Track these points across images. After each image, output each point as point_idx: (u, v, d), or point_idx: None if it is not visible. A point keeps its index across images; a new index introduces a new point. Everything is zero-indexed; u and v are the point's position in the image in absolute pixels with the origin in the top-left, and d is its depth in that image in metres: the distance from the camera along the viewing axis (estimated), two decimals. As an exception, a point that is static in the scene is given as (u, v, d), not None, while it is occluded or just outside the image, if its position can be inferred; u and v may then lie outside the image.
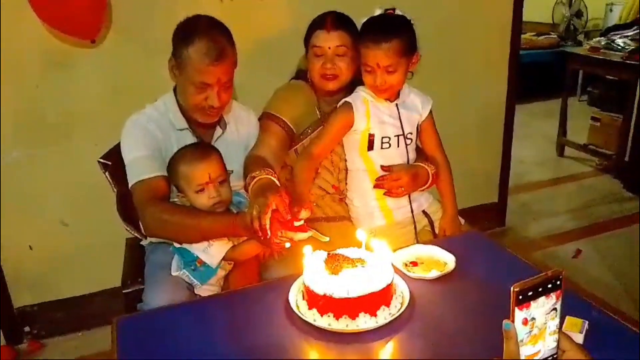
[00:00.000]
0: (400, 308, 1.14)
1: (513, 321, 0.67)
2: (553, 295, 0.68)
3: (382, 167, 1.65)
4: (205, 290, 1.49)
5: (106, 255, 1.94)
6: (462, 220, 1.79)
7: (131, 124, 1.55)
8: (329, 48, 1.61)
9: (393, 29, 1.51)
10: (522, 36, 3.86)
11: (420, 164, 1.69)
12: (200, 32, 1.46)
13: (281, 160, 1.69)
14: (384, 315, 1.11)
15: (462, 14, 2.43)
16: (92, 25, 1.77)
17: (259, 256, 1.54)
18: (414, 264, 1.35)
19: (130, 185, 1.50)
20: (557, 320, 0.70)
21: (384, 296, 1.13)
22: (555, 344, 0.72)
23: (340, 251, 1.25)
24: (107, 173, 1.70)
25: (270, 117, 1.68)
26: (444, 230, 1.72)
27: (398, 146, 1.65)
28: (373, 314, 1.10)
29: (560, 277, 0.68)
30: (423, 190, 1.71)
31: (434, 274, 1.28)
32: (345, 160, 1.71)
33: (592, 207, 3.18)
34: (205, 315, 1.19)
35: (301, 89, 1.74)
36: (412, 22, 1.56)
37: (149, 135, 1.53)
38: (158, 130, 1.55)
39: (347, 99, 1.62)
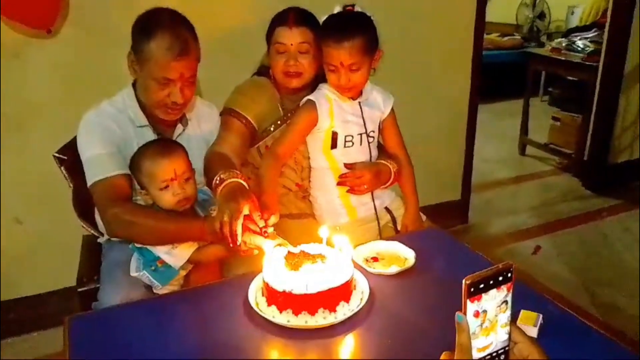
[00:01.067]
0: (360, 304, 1.14)
1: (465, 313, 0.67)
2: (504, 288, 0.69)
3: (346, 164, 1.65)
4: (164, 290, 1.45)
5: (62, 253, 1.89)
6: (424, 217, 1.81)
7: (89, 120, 1.50)
8: (292, 45, 1.59)
9: (354, 27, 1.50)
10: (487, 37, 3.95)
11: (382, 161, 1.69)
12: (162, 26, 1.41)
13: (242, 157, 1.66)
14: (344, 311, 1.11)
15: (425, 14, 2.45)
16: (48, 14, 1.72)
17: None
18: (375, 259, 1.35)
19: (89, 184, 1.45)
20: (508, 313, 0.71)
21: (343, 292, 1.12)
22: (506, 336, 0.73)
23: (301, 247, 1.24)
24: (63, 168, 1.65)
25: (232, 113, 1.65)
26: (406, 227, 1.73)
27: (361, 144, 1.65)
28: (332, 309, 1.10)
29: (511, 269, 0.69)
30: (386, 187, 1.71)
31: (393, 269, 1.28)
32: (309, 159, 1.70)
33: (552, 204, 3.26)
34: (162, 313, 1.16)
35: (264, 85, 1.72)
36: (372, 18, 1.56)
37: (108, 132, 1.48)
38: (117, 127, 1.50)
39: (310, 97, 1.61)
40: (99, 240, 1.67)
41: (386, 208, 1.74)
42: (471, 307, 0.67)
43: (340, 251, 1.20)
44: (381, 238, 1.64)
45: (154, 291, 1.44)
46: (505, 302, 0.70)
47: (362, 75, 1.54)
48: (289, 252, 1.22)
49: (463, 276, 0.66)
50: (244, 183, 1.41)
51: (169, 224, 1.37)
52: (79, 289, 1.54)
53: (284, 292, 1.09)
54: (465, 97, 2.69)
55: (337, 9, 1.56)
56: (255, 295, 1.18)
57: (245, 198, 1.32)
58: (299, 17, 1.59)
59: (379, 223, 1.71)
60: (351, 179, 1.63)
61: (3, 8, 1.61)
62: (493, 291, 0.68)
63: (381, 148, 1.77)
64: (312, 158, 1.69)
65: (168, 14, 1.47)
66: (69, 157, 1.63)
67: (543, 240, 2.81)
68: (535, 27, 5.66)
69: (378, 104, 1.69)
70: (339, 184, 1.65)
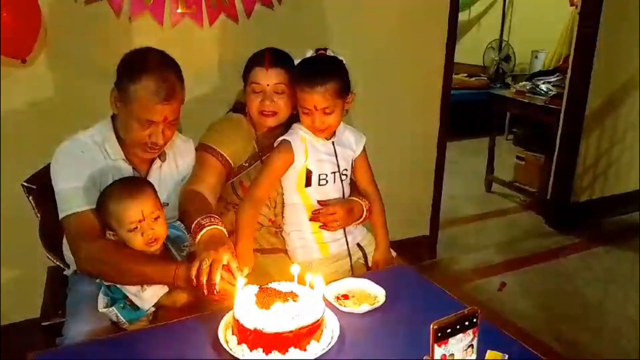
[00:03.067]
0: (331, 342, 1.15)
1: (432, 357, 0.69)
2: (470, 332, 0.72)
3: (319, 201, 1.67)
4: (132, 326, 1.43)
5: (26, 284, 1.83)
6: (394, 253, 1.84)
7: (64, 150, 1.48)
8: (268, 85, 1.62)
9: (327, 72, 1.55)
10: (455, 77, 4.07)
11: (355, 198, 1.73)
12: (150, 69, 1.41)
13: (217, 194, 1.66)
14: (315, 350, 1.12)
15: (396, 54, 2.53)
16: (25, 45, 1.71)
17: None
18: (346, 297, 1.37)
19: (60, 217, 1.43)
20: (473, 356, 0.73)
21: (314, 331, 1.13)
22: None
23: (272, 285, 1.25)
24: (31, 198, 1.63)
25: (207, 149, 1.66)
26: (376, 263, 1.76)
27: (335, 182, 1.68)
28: (303, 348, 1.11)
29: (476, 315, 0.71)
30: (357, 223, 1.74)
31: (364, 307, 1.30)
32: (282, 195, 1.71)
33: (516, 241, 3.34)
34: (129, 350, 1.14)
35: (239, 122, 1.74)
36: (344, 62, 1.61)
37: (83, 165, 1.47)
38: (92, 160, 1.48)
39: (285, 137, 1.64)
40: (65, 272, 1.63)
41: (358, 244, 1.77)
42: (439, 350, 0.69)
43: (312, 288, 1.21)
44: (353, 274, 1.66)
45: (121, 327, 1.41)
46: (472, 345, 0.72)
47: (335, 118, 1.59)
48: (260, 289, 1.22)
49: (432, 316, 0.69)
50: (224, 230, 1.42)
51: (140, 266, 1.35)
52: (43, 323, 1.50)
53: (255, 330, 1.09)
54: (434, 134, 2.77)
55: (309, 53, 1.62)
56: (225, 333, 1.17)
57: (225, 247, 1.33)
58: (275, 59, 1.63)
59: (350, 259, 1.73)
60: (324, 216, 1.66)
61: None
62: (460, 335, 0.71)
63: (353, 185, 1.80)
64: (286, 195, 1.70)
65: (156, 56, 1.47)
66: (38, 187, 1.61)
67: (508, 277, 2.86)
68: (501, 69, 5.89)
69: (350, 143, 1.73)
70: (311, 219, 1.67)
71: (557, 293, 2.77)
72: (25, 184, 1.61)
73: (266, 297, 1.18)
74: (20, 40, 1.68)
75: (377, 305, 1.31)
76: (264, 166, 1.66)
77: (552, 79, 3.95)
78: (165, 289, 1.39)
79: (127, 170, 1.53)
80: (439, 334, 0.68)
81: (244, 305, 1.16)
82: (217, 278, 1.26)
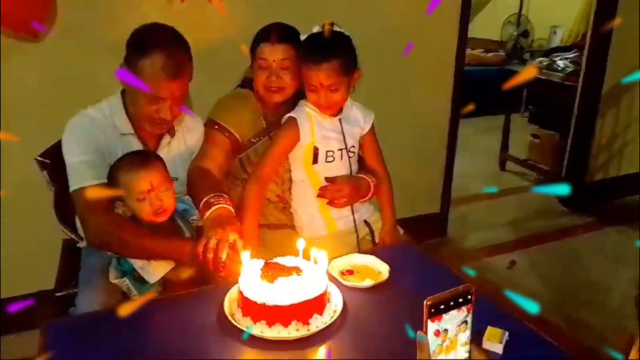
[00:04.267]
0: (333, 316, 1.17)
1: (426, 333, 0.71)
2: (464, 309, 0.73)
3: (326, 178, 1.68)
4: (142, 297, 1.47)
5: (41, 257, 1.88)
6: (401, 230, 1.85)
7: (74, 124, 1.50)
8: (274, 61, 1.62)
9: (333, 49, 1.54)
10: (471, 52, 4.02)
11: (362, 175, 1.73)
12: (158, 46, 1.42)
13: (225, 170, 1.69)
14: (316, 324, 1.14)
15: (407, 29, 2.49)
16: (35, 20, 1.72)
17: None
18: (350, 272, 1.38)
19: (71, 190, 1.46)
20: (468, 332, 0.75)
21: (317, 305, 1.15)
22: (466, 354, 0.77)
23: (277, 260, 1.27)
24: (45, 172, 1.66)
25: (215, 126, 1.68)
26: (383, 240, 1.77)
27: (342, 159, 1.68)
28: (305, 322, 1.13)
29: (471, 292, 0.72)
30: (364, 201, 1.75)
31: (367, 283, 1.32)
32: (290, 171, 1.73)
33: (528, 220, 3.33)
34: (139, 320, 1.17)
35: (246, 98, 1.75)
36: (350, 38, 1.60)
37: (92, 139, 1.49)
38: (102, 134, 1.51)
39: (291, 114, 1.64)
40: (78, 244, 1.67)
41: (365, 221, 1.78)
42: (432, 326, 0.70)
43: (316, 263, 1.23)
44: (359, 251, 1.67)
45: (131, 298, 1.46)
46: (465, 322, 0.73)
47: (341, 95, 1.58)
48: (265, 264, 1.25)
49: (433, 292, 0.70)
50: (231, 209, 1.45)
51: (147, 241, 1.38)
52: (57, 294, 1.54)
53: (258, 303, 1.12)
54: (446, 111, 2.74)
55: (316, 29, 1.60)
56: (230, 305, 1.20)
57: (232, 226, 1.36)
58: (282, 34, 1.63)
59: (357, 236, 1.75)
60: (331, 192, 1.67)
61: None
62: (453, 312, 0.72)
63: (361, 162, 1.81)
64: (293, 171, 1.72)
65: (166, 32, 1.47)
66: (51, 161, 1.63)
67: (518, 255, 2.87)
68: (518, 44, 5.78)
69: (358, 120, 1.73)
70: (319, 196, 1.68)
71: (566, 273, 2.77)
72: (38, 158, 1.64)
73: (271, 271, 1.20)
74: (31, 16, 1.70)
75: (380, 281, 1.32)
76: (270, 143, 1.67)
77: (569, 55, 3.88)
78: (171, 265, 1.43)
79: (136, 144, 1.56)
80: (432, 310, 0.69)
81: (249, 279, 1.18)
82: (223, 256, 1.30)
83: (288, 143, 1.63)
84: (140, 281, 1.45)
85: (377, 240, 1.78)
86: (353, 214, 1.73)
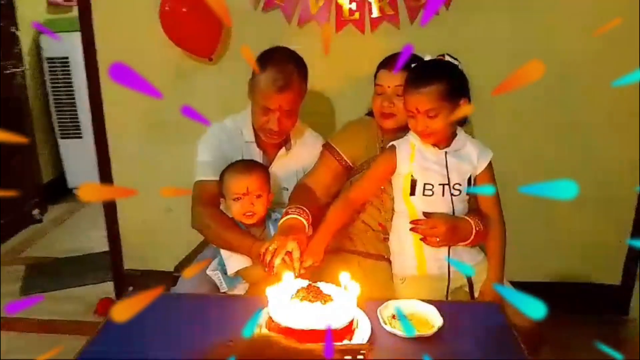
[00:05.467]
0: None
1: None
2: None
3: (424, 213, 1.60)
4: (229, 291, 1.63)
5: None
6: (509, 286, 1.63)
7: (211, 130, 1.77)
8: (389, 87, 1.64)
9: (433, 74, 1.48)
10: None
11: (465, 217, 1.59)
12: (273, 62, 1.61)
13: (331, 191, 1.74)
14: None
15: (584, 58, 2.16)
16: (209, 45, 2.06)
17: None
18: (402, 317, 1.30)
19: (194, 181, 1.72)
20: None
21: (336, 335, 1.12)
22: None
23: (320, 284, 1.27)
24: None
25: (328, 148, 1.76)
26: (482, 294, 1.59)
27: (443, 195, 1.57)
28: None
29: (364, 352, 0.65)
30: (465, 244, 1.60)
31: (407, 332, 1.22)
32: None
33: None
34: (183, 307, 1.32)
35: (367, 124, 1.78)
36: (457, 66, 1.52)
37: (220, 143, 1.73)
38: (228, 140, 1.74)
39: (393, 142, 1.61)
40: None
41: (465, 270, 1.63)
42: None
43: (346, 290, 1.21)
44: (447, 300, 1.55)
45: (220, 291, 1.63)
46: None
47: (440, 123, 1.49)
48: (308, 285, 1.27)
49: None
50: (304, 222, 1.52)
51: (227, 233, 1.56)
52: (174, 274, 1.81)
53: (275, 322, 1.14)
54: (634, 160, 2.26)
55: (427, 57, 1.57)
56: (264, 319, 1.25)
57: (295, 237, 1.44)
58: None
59: (449, 284, 1.60)
60: (423, 227, 1.57)
61: (174, 37, 2.01)
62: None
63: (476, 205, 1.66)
64: (395, 202, 1.67)
65: (282, 52, 1.66)
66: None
67: None
68: None
69: (470, 157, 1.59)
70: (412, 229, 1.60)
71: None
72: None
73: (304, 294, 1.22)
74: (205, 42, 2.05)
75: (422, 334, 1.21)
76: (367, 168, 1.66)
77: None
78: (249, 261, 1.55)
79: (256, 152, 1.75)
80: None
81: (280, 298, 1.21)
82: (276, 261, 1.39)
83: (382, 169, 1.61)
84: (229, 277, 1.62)
85: (476, 294, 1.61)
86: (449, 259, 1.60)
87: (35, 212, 3.48)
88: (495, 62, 2.14)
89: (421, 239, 1.58)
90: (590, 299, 2.45)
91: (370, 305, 1.30)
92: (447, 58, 1.54)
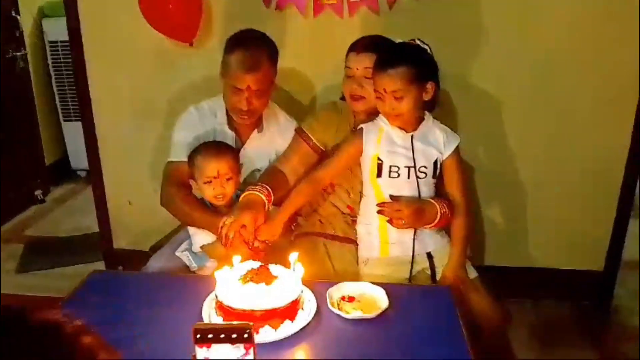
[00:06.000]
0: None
1: (195, 357, 0.70)
2: (241, 347, 0.69)
3: (391, 196, 1.61)
4: (199, 271, 1.68)
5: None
6: (474, 274, 1.65)
7: (188, 111, 1.81)
8: (357, 69, 1.65)
9: (401, 56, 1.50)
10: None
11: (430, 200, 1.60)
12: (242, 44, 1.65)
13: (302, 175, 1.75)
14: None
15: (576, 51, 2.13)
16: (189, 30, 2.08)
17: None
18: (351, 299, 1.33)
19: (166, 161, 1.78)
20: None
21: (274, 314, 1.16)
22: None
23: (271, 266, 1.31)
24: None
25: (299, 132, 1.79)
26: (444, 279, 1.61)
27: (409, 178, 1.59)
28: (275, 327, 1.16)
29: (247, 330, 0.68)
30: (430, 227, 1.61)
31: (354, 314, 1.25)
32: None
33: None
34: (134, 286, 1.37)
35: (340, 109, 1.80)
36: (427, 50, 1.54)
37: (195, 125, 1.78)
38: (203, 122, 1.78)
39: (362, 125, 1.63)
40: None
41: (428, 254, 1.64)
42: (200, 352, 0.69)
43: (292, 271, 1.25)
44: (410, 282, 1.58)
45: (191, 270, 1.68)
46: None
47: (407, 105, 1.51)
48: (259, 267, 1.30)
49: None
50: (264, 197, 1.55)
51: (194, 212, 1.62)
52: (149, 253, 1.87)
53: (226, 305, 1.17)
54: (623, 147, 2.23)
55: (398, 41, 1.59)
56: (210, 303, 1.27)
57: (250, 211, 1.48)
58: (368, 44, 1.65)
59: (412, 267, 1.63)
60: (389, 210, 1.59)
61: (153, 22, 2.03)
62: (227, 345, 0.69)
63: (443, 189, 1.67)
64: (363, 184, 1.69)
65: (251, 34, 1.70)
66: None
67: None
68: None
69: (438, 142, 1.61)
70: (378, 212, 1.62)
71: None
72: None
73: (251, 275, 1.26)
74: (185, 26, 2.07)
75: (366, 316, 1.24)
76: (333, 150, 1.69)
77: None
78: (212, 238, 1.60)
79: (229, 135, 1.78)
80: (198, 336, 0.67)
81: (227, 280, 1.23)
82: (230, 234, 1.45)
83: (348, 152, 1.63)
84: (198, 257, 1.68)
85: (438, 278, 1.63)
86: (414, 242, 1.62)
87: (38, 192, 3.57)
88: (476, 50, 2.13)
89: (387, 221, 1.61)
90: (574, 285, 2.44)
91: (323, 286, 1.34)
92: (418, 42, 1.56)
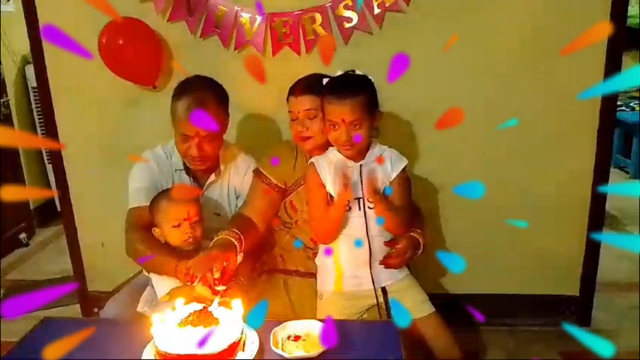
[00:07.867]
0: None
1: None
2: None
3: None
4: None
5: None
6: (431, 309, 1.65)
7: (143, 157, 1.81)
8: (299, 112, 1.68)
9: (356, 85, 1.53)
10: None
11: (412, 234, 1.67)
12: (188, 90, 1.66)
13: (268, 216, 1.77)
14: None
15: (533, 68, 2.16)
16: (150, 74, 2.13)
17: None
18: (297, 338, 1.31)
19: (128, 209, 1.76)
20: None
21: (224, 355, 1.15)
22: None
23: (213, 308, 1.30)
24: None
25: (257, 174, 1.79)
26: (387, 258, 1.64)
27: (359, 209, 1.59)
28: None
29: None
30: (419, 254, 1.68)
31: (296, 354, 1.24)
32: None
33: None
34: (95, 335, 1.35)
35: (292, 146, 1.83)
36: (372, 81, 1.57)
37: (151, 171, 1.77)
38: (159, 168, 1.78)
39: (312, 159, 1.65)
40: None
41: (382, 288, 1.64)
42: None
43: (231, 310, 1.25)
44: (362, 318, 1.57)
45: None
46: None
47: (363, 133, 1.52)
48: (202, 309, 1.29)
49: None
50: (234, 241, 1.54)
51: (156, 256, 1.57)
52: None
53: (165, 352, 1.15)
54: (587, 172, 2.23)
55: (339, 73, 1.62)
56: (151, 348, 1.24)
57: (217, 252, 1.46)
58: (304, 86, 1.67)
59: (372, 303, 1.62)
60: (399, 256, 1.63)
61: (115, 69, 2.08)
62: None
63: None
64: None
65: (198, 80, 1.71)
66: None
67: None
68: None
69: (385, 168, 1.61)
70: (384, 265, 1.63)
71: None
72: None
73: (192, 318, 1.25)
74: (146, 70, 2.11)
75: (308, 355, 1.23)
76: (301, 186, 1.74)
77: None
78: (177, 283, 1.56)
79: (186, 179, 1.79)
80: None
81: (166, 324, 1.22)
82: (198, 274, 1.41)
83: (314, 186, 1.62)
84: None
85: (391, 313, 1.61)
86: (373, 278, 1.61)
87: (23, 235, 3.59)
88: (432, 79, 2.15)
89: (381, 263, 1.62)
90: (550, 310, 2.41)
91: (270, 326, 1.33)
92: (358, 72, 1.60)
